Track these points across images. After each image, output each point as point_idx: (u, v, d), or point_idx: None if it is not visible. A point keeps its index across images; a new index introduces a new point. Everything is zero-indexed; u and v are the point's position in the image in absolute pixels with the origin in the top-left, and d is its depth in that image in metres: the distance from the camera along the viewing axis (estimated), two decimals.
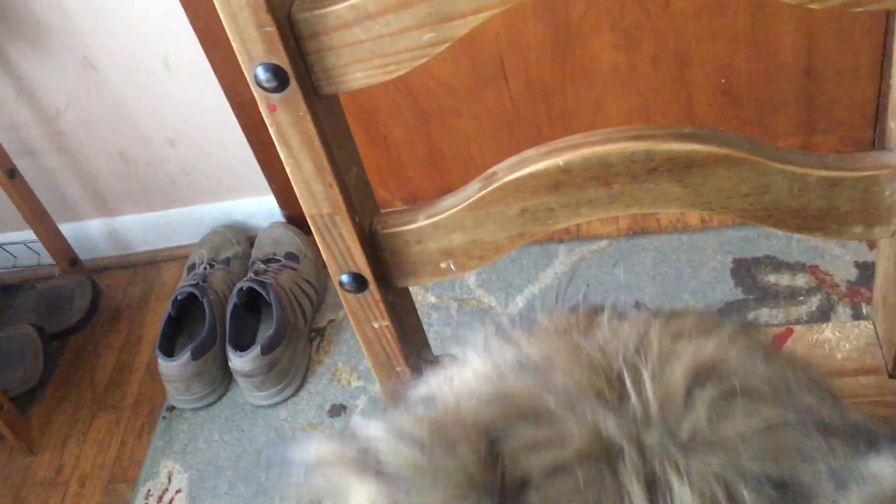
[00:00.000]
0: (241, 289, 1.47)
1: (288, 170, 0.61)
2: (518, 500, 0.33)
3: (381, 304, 0.68)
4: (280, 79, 0.55)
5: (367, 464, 0.34)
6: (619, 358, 0.35)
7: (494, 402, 0.36)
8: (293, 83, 0.56)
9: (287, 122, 0.58)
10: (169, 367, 1.43)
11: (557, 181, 0.60)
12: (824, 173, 0.60)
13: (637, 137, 0.59)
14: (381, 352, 0.71)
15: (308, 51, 0.56)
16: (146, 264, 1.77)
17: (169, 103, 1.54)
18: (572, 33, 1.34)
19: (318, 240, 0.65)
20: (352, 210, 0.63)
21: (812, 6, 0.52)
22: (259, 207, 1.69)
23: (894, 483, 0.31)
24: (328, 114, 0.60)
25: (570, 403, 0.35)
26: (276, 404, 1.46)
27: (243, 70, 0.56)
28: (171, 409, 1.50)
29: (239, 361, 1.40)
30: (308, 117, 0.57)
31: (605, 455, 0.34)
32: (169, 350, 1.46)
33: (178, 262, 1.74)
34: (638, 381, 0.35)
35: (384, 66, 0.56)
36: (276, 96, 0.56)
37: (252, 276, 1.51)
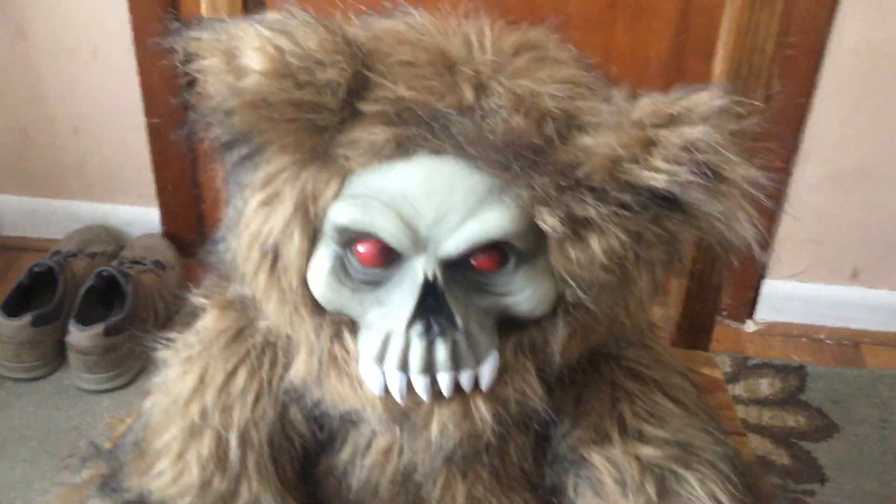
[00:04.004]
0: (100, 272, 1.49)
1: None
2: (371, 66, 0.43)
3: None
4: None
5: (259, 21, 0.42)
6: (469, 29, 0.46)
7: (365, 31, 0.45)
8: None
9: None
10: (6, 326, 1.41)
11: None
12: None
13: None
14: None
15: None
16: (9, 249, 1.75)
17: (85, 90, 1.60)
18: None
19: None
20: None
21: None
22: (139, 217, 1.73)
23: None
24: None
25: (425, 35, 0.45)
26: (101, 391, 1.44)
27: None
28: None
29: (79, 335, 1.40)
30: None
31: (448, 65, 0.44)
32: (12, 312, 1.45)
33: (42, 254, 1.72)
34: (481, 42, 0.46)
35: None
36: None
37: (116, 265, 1.53)
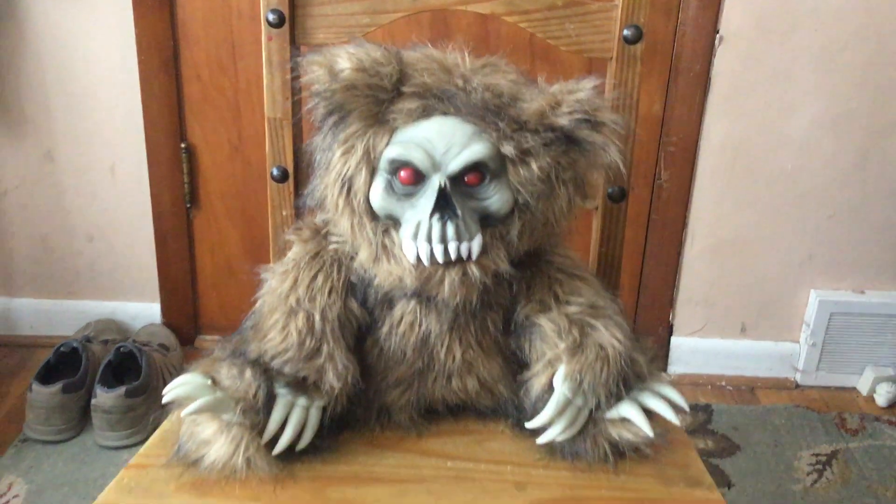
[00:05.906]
0: (118, 348, 1.77)
1: (265, 82, 1.04)
2: (408, 67, 0.76)
3: (291, 196, 1.08)
4: (280, 20, 1.01)
5: (345, 48, 0.76)
6: (455, 54, 0.81)
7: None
8: (286, 25, 1.02)
9: (275, 48, 1.03)
10: (40, 393, 1.67)
11: None
12: None
13: None
14: (281, 239, 1.10)
15: (297, 14, 1.03)
16: (23, 346, 2.01)
17: (102, 203, 1.92)
18: None
19: (267, 137, 1.06)
20: (291, 123, 1.06)
21: None
22: (141, 312, 2.01)
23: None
24: (293, 60, 1.05)
25: (432, 57, 0.79)
26: (121, 447, 1.69)
27: (261, 14, 1.02)
28: (25, 440, 1.70)
29: (104, 396, 1.66)
30: (287, 48, 1.03)
31: (447, 69, 0.78)
32: (43, 382, 1.70)
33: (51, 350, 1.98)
34: (462, 60, 0.79)
35: (336, 34, 1.03)
36: (274, 31, 1.02)
37: (131, 343, 1.80)
